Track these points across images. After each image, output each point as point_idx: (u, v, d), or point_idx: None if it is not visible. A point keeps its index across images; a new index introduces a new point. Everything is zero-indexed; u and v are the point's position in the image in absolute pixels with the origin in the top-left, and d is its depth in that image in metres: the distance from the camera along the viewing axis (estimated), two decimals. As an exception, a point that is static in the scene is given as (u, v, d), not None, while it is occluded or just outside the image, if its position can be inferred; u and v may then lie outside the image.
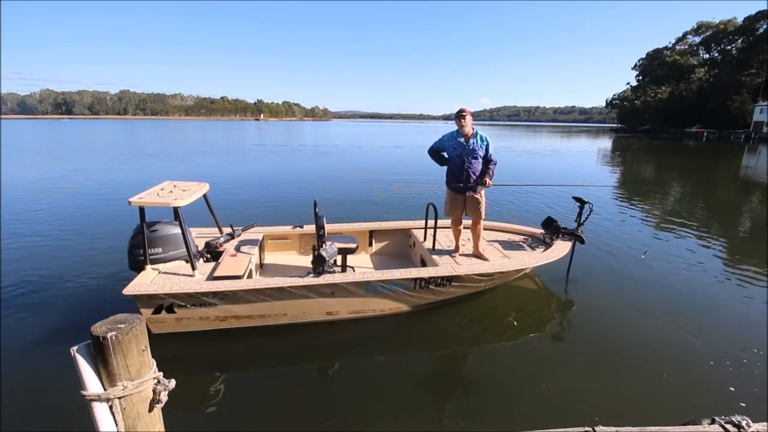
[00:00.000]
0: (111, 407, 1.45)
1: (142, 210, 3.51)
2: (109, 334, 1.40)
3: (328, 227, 4.46)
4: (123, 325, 1.46)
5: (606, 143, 41.10)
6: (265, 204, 9.40)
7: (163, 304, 3.39)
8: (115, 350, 1.42)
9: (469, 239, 4.77)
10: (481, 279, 4.26)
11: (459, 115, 4.25)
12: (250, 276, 3.90)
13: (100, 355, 1.44)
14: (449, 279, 4.03)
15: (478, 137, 4.30)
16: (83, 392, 1.42)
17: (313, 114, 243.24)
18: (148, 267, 3.60)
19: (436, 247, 4.67)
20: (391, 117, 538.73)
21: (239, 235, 4.62)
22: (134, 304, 3.34)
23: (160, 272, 3.64)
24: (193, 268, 3.63)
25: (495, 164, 4.39)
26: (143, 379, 1.52)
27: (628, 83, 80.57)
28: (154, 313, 3.42)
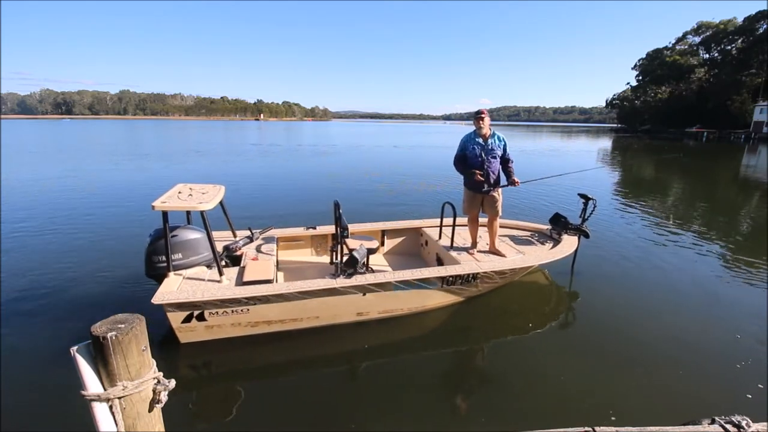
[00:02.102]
0: (111, 407, 1.45)
1: (165, 215, 3.36)
2: (109, 334, 1.40)
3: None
4: (123, 325, 1.46)
5: (606, 143, 41.12)
6: (264, 205, 9.40)
7: (193, 311, 3.30)
8: (115, 350, 1.42)
9: (479, 236, 4.87)
10: (504, 274, 4.38)
11: (478, 117, 4.34)
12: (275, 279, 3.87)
13: (100, 355, 1.44)
14: (475, 276, 4.13)
15: (496, 137, 4.40)
16: (83, 392, 1.42)
17: (313, 114, 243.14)
18: (171, 274, 3.48)
19: (446, 245, 4.73)
20: (391, 117, 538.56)
21: (257, 238, 4.55)
22: (159, 311, 3.20)
23: (184, 278, 3.51)
24: (221, 274, 3.52)
25: (513, 162, 4.51)
26: (143, 379, 1.52)
27: (628, 83, 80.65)
28: (184, 321, 3.31)
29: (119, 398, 1.46)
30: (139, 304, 4.14)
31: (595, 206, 5.08)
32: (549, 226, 5.38)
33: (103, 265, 5.27)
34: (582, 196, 5.17)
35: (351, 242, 4.14)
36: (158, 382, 1.58)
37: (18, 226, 7.11)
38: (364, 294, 3.73)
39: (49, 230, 6.90)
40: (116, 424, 1.46)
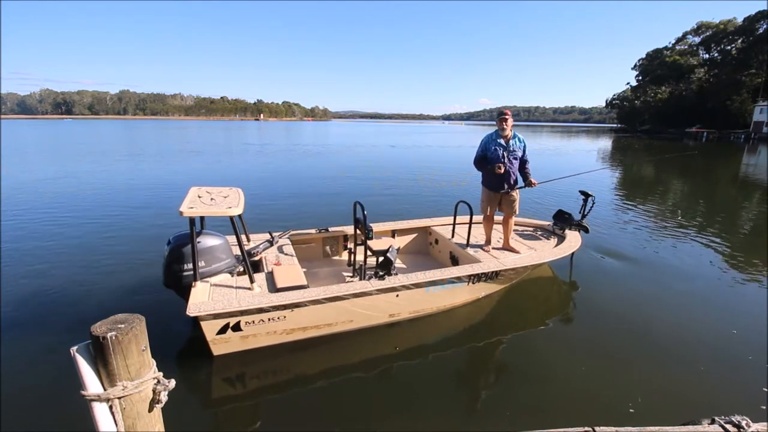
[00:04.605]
0: (111, 407, 1.46)
1: (192, 221, 3.12)
2: (108, 334, 1.40)
3: (351, 229, 4.41)
4: (123, 325, 1.46)
5: (606, 143, 41.11)
6: (263, 206, 9.39)
7: (229, 322, 3.12)
8: (114, 350, 1.42)
9: (481, 234, 4.97)
10: (523, 270, 4.47)
11: (501, 118, 4.36)
12: None
13: (99, 355, 1.44)
14: (498, 272, 4.21)
15: (517, 139, 4.44)
16: (83, 392, 1.42)
17: (313, 114, 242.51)
18: (198, 283, 3.30)
19: (459, 243, 4.79)
20: (390, 117, 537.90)
21: (277, 242, 4.41)
22: (184, 323, 3.07)
23: (212, 287, 3.32)
24: (252, 281, 3.35)
25: (529, 164, 4.58)
26: (143, 379, 1.52)
27: (628, 83, 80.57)
28: (219, 332, 3.12)
29: (119, 398, 1.46)
30: (142, 309, 4.14)
31: (594, 203, 5.24)
32: (549, 222, 5.53)
33: (105, 268, 5.26)
34: (582, 192, 5.34)
35: (371, 243, 4.04)
36: (158, 382, 1.58)
37: (19, 225, 7.10)
38: (397, 295, 3.72)
39: (50, 231, 6.89)
40: (116, 424, 1.46)
